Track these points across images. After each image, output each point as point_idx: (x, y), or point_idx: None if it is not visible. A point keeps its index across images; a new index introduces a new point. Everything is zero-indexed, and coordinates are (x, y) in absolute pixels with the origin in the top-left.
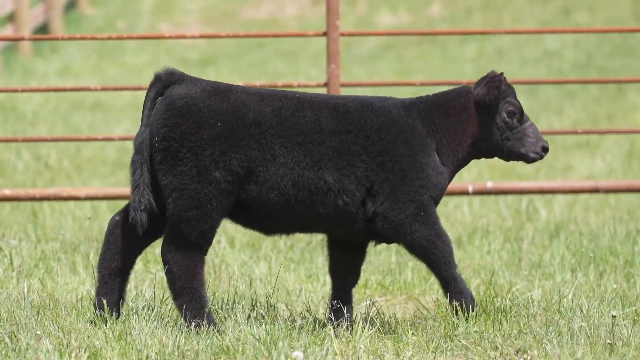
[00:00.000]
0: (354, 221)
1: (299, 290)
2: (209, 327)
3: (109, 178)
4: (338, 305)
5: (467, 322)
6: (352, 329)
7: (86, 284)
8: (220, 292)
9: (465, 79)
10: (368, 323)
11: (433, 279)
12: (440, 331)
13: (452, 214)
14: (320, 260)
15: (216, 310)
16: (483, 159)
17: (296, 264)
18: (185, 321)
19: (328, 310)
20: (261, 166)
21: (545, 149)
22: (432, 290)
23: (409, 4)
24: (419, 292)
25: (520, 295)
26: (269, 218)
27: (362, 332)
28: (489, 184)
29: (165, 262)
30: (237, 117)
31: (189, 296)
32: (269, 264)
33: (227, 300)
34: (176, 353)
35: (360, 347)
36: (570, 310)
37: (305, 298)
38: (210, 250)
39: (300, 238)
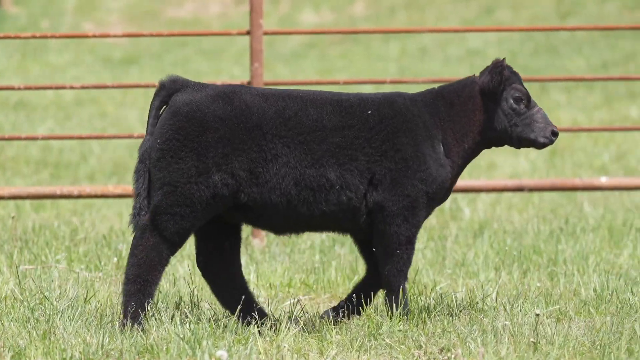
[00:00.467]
0: (358, 216)
1: None
2: (139, 325)
3: (32, 177)
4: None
5: (391, 321)
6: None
7: (10, 283)
8: None
9: (389, 78)
10: (292, 322)
11: (356, 278)
12: (364, 330)
13: None
14: (244, 259)
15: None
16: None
17: None
18: (125, 309)
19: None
20: (262, 167)
21: (555, 134)
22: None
23: (332, 2)
24: (342, 290)
25: (444, 294)
26: (273, 218)
27: (286, 331)
28: None
29: (134, 246)
30: (240, 121)
31: (140, 287)
32: (193, 263)
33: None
34: (100, 352)
35: (284, 346)
36: (494, 309)
37: None
38: None
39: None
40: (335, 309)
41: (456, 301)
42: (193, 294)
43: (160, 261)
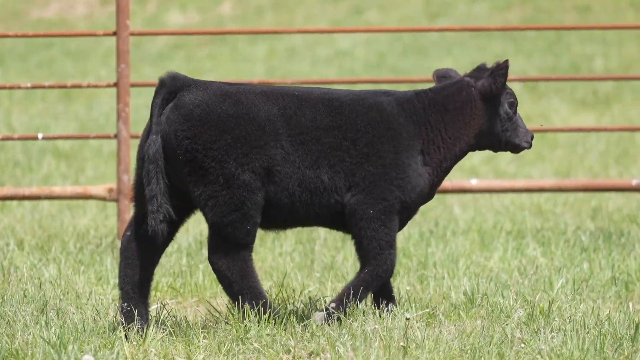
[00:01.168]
0: (342, 217)
1: (88, 293)
2: (276, 315)
3: None
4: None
5: (258, 325)
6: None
7: None
8: (9, 295)
9: (256, 79)
10: (159, 326)
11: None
12: (232, 334)
13: None
14: (109, 261)
15: (5, 313)
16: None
17: (86, 267)
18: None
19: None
20: (279, 165)
21: (532, 137)
22: (223, 292)
23: (198, 3)
24: (210, 294)
25: (313, 298)
26: (275, 217)
27: (153, 335)
28: None
29: (217, 270)
30: (251, 119)
31: (250, 295)
32: (59, 267)
33: (16, 303)
34: None
35: (151, 351)
36: (364, 313)
37: (95, 301)
38: None
39: (89, 241)
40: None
41: (325, 305)
42: (59, 298)
43: (248, 265)
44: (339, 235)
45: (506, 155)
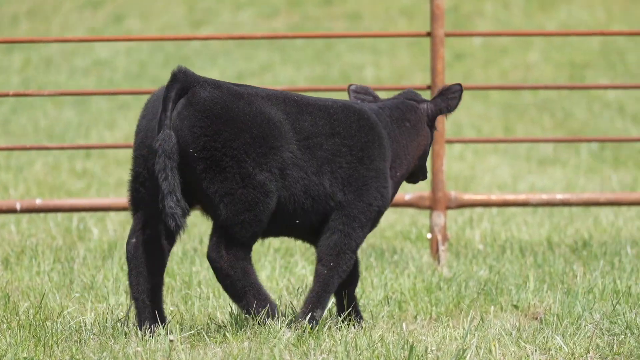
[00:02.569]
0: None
1: None
2: (276, 313)
3: None
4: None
5: (16, 347)
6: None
7: None
8: None
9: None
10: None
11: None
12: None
13: None
14: None
15: None
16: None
17: None
18: (257, 316)
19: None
20: (290, 169)
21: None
22: None
23: None
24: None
25: (73, 319)
26: (274, 224)
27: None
28: (38, 201)
29: (218, 269)
30: (263, 120)
31: (253, 293)
32: None
33: None
34: None
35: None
36: (125, 335)
37: None
38: None
39: None
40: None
41: (85, 326)
42: None
43: (250, 264)
44: (99, 252)
45: None
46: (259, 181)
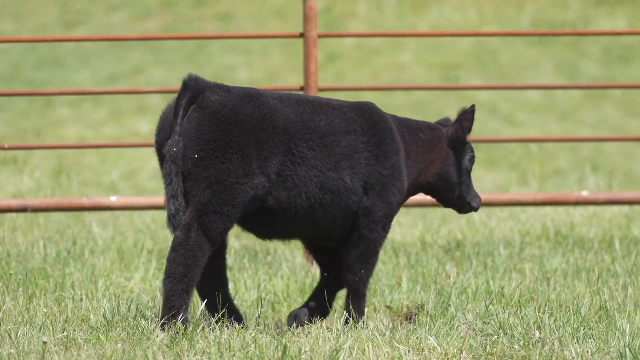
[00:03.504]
0: (350, 221)
1: None
2: (184, 323)
3: None
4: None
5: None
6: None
7: None
8: None
9: None
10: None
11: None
12: None
13: None
14: None
15: None
16: None
17: None
18: (168, 308)
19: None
20: (290, 171)
21: (480, 201)
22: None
23: None
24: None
25: None
26: (287, 223)
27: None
28: None
29: (178, 245)
30: (270, 124)
31: (185, 286)
32: None
33: None
34: None
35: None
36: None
37: None
38: None
39: None
40: (297, 315)
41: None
42: None
43: (203, 261)
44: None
45: (146, 171)
46: (256, 182)
